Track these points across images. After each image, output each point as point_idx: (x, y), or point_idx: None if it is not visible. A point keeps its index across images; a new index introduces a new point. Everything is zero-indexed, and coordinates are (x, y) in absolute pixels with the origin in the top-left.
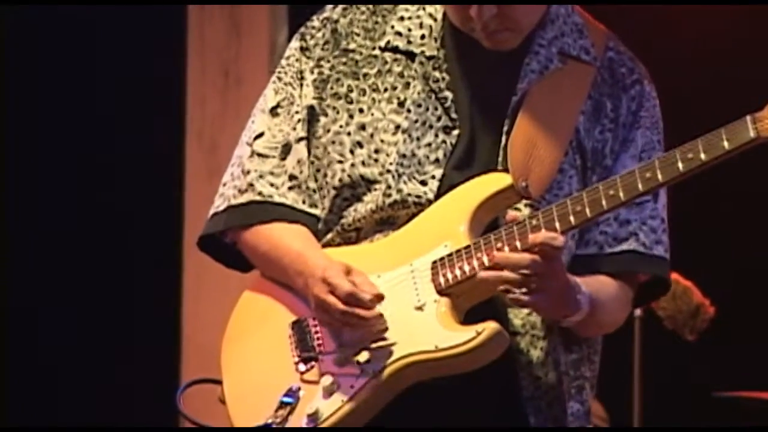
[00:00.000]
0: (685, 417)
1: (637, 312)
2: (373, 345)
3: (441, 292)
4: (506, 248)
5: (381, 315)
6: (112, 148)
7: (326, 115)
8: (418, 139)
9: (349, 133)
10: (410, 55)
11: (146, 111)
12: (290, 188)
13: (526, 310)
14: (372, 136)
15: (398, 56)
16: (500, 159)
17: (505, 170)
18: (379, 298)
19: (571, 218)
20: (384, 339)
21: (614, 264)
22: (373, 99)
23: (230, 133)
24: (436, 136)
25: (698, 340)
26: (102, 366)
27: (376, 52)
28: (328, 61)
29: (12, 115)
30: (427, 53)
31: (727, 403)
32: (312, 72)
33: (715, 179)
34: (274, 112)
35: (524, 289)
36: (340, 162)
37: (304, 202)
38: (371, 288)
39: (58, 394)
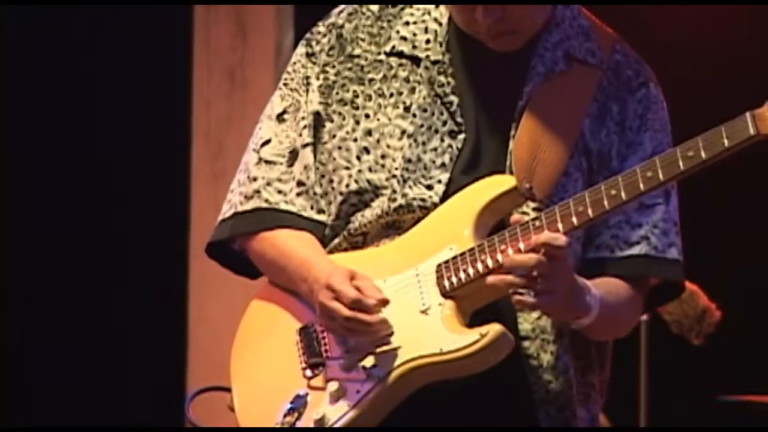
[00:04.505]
0: (690, 421)
1: (643, 316)
2: (379, 350)
3: (446, 295)
4: (510, 250)
5: (385, 320)
6: (117, 150)
7: (332, 120)
8: (423, 143)
9: (355, 139)
10: (415, 60)
11: (152, 113)
12: (298, 194)
13: (536, 314)
14: (378, 141)
15: (403, 61)
16: (507, 162)
17: (510, 172)
18: (384, 302)
19: (574, 219)
20: (390, 343)
21: (625, 267)
22: (379, 104)
23: (236, 136)
24: (442, 140)
25: (704, 344)
26: (107, 372)
27: (382, 57)
28: (334, 67)
29: (15, 117)
30: (432, 58)
31: (732, 407)
32: (318, 78)
33: (722, 181)
34: (280, 118)
35: (532, 291)
36: (347, 168)
37: (312, 208)
38: (376, 293)
39: (61, 399)
